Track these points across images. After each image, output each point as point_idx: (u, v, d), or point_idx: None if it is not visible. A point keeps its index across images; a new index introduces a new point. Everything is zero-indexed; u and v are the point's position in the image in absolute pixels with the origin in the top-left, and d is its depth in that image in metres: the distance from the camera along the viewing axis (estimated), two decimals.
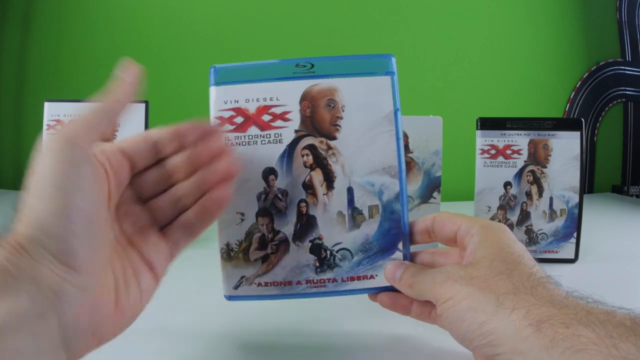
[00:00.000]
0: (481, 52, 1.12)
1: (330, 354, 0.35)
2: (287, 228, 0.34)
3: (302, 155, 0.34)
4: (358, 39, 1.09)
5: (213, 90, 0.34)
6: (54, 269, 0.22)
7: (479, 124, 0.56)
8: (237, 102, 0.34)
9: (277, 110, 0.34)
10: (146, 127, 0.56)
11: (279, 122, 0.34)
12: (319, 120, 0.34)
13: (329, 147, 0.34)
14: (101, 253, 0.25)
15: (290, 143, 0.34)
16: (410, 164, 0.56)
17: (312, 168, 0.34)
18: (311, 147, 0.34)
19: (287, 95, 0.34)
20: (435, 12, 1.10)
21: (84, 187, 0.23)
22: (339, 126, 0.34)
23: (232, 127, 0.34)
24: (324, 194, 0.34)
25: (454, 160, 0.86)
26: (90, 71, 1.09)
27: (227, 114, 0.34)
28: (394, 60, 0.35)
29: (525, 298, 0.25)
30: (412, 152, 0.56)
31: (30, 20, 1.09)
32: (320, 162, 0.34)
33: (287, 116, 0.34)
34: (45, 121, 0.55)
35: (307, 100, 0.34)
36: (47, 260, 0.22)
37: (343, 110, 0.34)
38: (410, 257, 0.34)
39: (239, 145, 0.34)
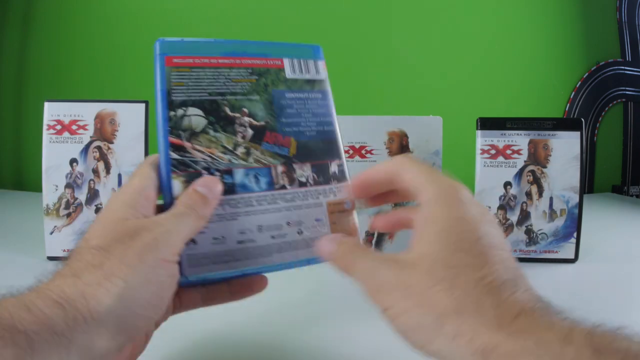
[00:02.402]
0: (481, 52, 1.12)
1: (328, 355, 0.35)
2: None
3: None
4: (358, 39, 1.09)
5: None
6: (115, 339, 0.23)
7: (479, 124, 0.56)
8: None
9: None
10: (146, 127, 0.56)
11: None
12: None
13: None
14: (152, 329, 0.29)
15: None
16: None
17: None
18: None
19: None
20: (436, 11, 1.10)
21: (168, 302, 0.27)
22: None
23: None
24: None
25: (454, 160, 0.86)
26: (90, 71, 1.09)
27: None
28: None
29: (468, 320, 0.21)
30: (412, 152, 0.56)
31: (30, 20, 1.09)
32: None
33: None
34: (45, 121, 0.54)
35: None
36: (112, 328, 0.23)
37: None
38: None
39: None
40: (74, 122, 0.55)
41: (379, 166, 0.30)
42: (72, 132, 0.55)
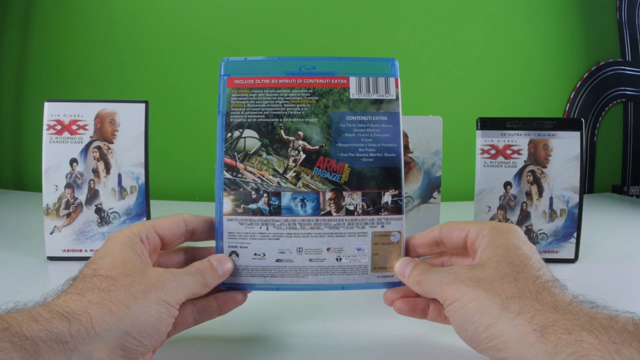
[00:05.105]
0: (481, 52, 1.12)
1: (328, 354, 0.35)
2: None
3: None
4: (358, 39, 1.09)
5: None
6: (112, 355, 0.25)
7: (479, 124, 0.56)
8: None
9: None
10: (146, 127, 0.56)
11: None
12: None
13: None
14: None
15: None
16: (410, 164, 0.56)
17: None
18: None
19: None
20: (435, 12, 1.10)
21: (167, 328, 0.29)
22: None
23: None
24: None
25: (454, 160, 0.86)
26: (90, 71, 1.09)
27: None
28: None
29: (530, 303, 0.25)
30: (412, 152, 0.56)
31: (30, 20, 1.09)
32: None
33: None
34: (45, 121, 0.54)
35: None
36: (111, 344, 0.25)
37: None
38: None
39: None
40: (74, 122, 0.55)
41: (432, 229, 0.34)
42: (72, 132, 0.55)
